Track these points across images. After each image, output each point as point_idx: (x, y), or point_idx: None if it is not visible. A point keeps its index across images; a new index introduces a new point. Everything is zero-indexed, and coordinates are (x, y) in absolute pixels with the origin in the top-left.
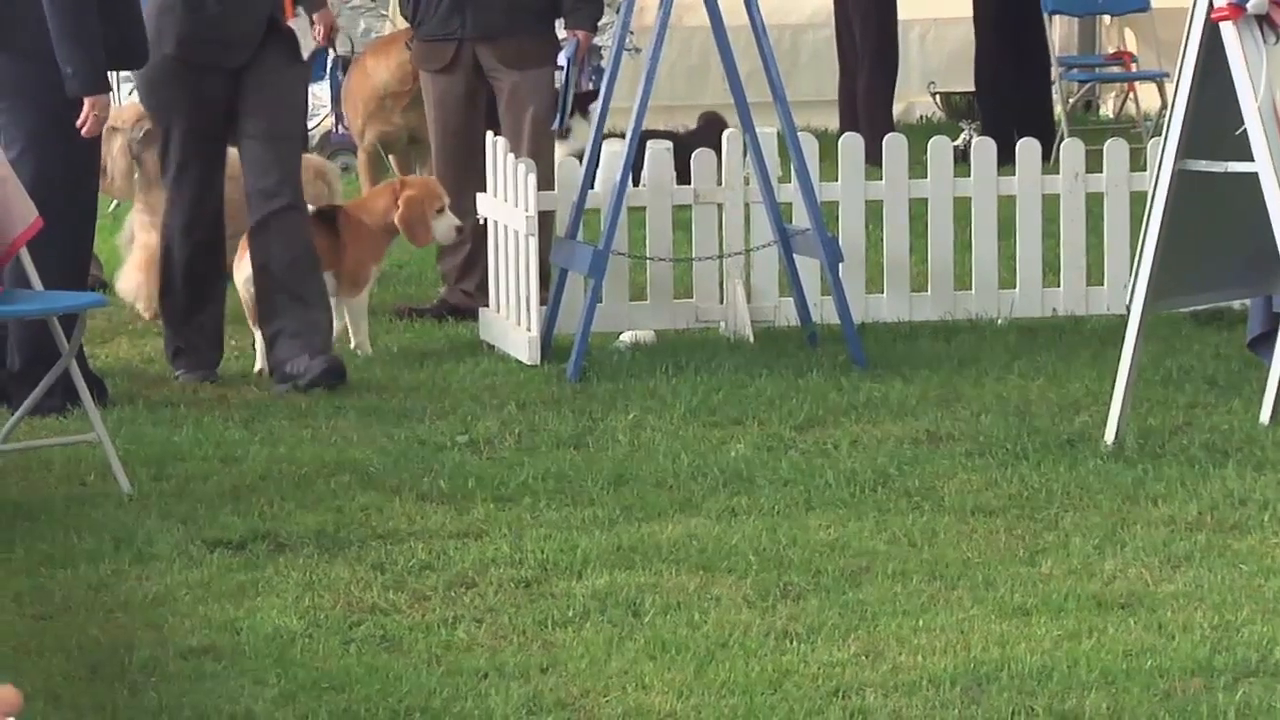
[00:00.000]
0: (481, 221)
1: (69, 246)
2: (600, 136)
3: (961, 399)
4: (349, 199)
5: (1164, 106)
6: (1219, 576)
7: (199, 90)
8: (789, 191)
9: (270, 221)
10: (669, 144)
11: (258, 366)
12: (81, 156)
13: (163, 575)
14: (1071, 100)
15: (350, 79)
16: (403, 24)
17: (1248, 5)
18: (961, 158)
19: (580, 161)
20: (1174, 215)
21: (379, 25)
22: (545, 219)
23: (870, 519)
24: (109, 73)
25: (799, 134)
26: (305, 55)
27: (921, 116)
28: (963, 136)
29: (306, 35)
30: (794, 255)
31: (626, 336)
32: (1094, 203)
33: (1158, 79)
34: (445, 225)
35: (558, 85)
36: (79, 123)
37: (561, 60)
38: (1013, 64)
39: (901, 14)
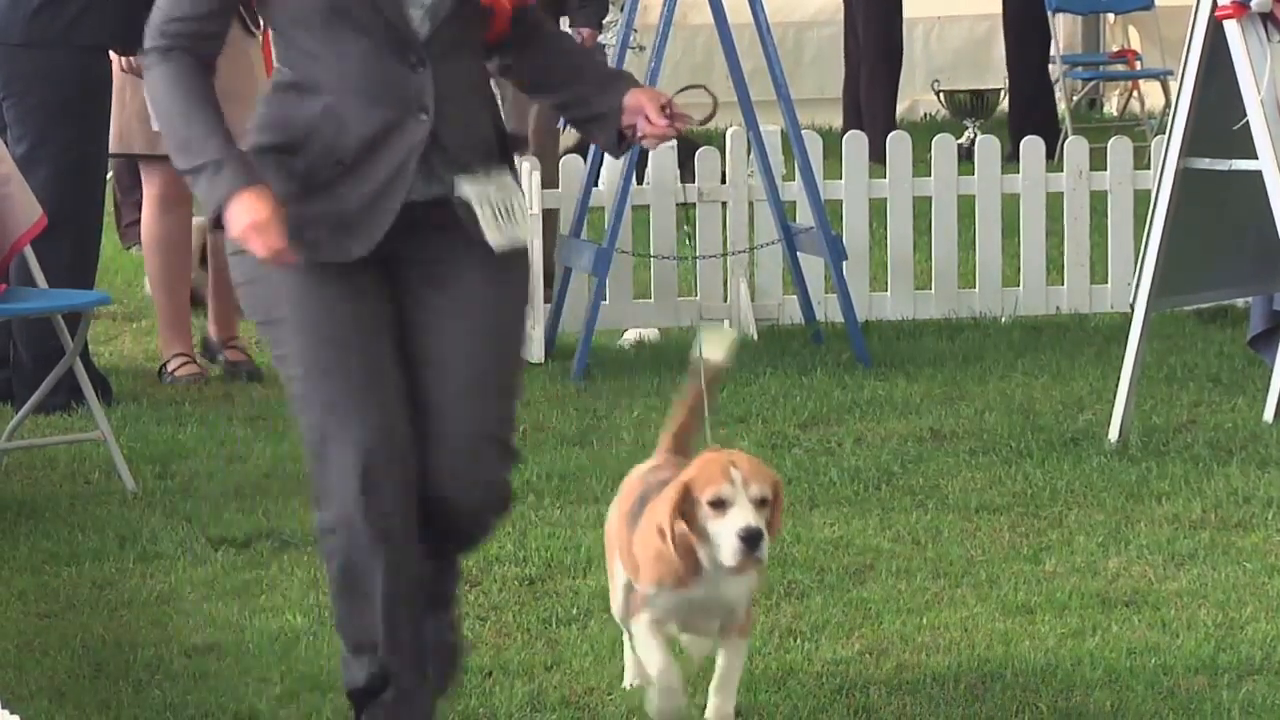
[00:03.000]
0: None
1: (76, 245)
2: None
3: (965, 397)
4: None
5: (1167, 104)
6: (1223, 574)
7: (327, 298)
8: (793, 190)
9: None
10: (673, 143)
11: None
12: (89, 152)
13: (167, 573)
14: (1075, 98)
15: None
16: None
17: (1251, 3)
18: (965, 156)
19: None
20: (1178, 213)
21: None
22: (549, 217)
23: (874, 517)
24: (111, 56)
25: (803, 132)
26: (504, 243)
27: (925, 114)
28: (966, 134)
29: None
30: (798, 253)
31: (630, 334)
32: (1098, 201)
33: (1161, 77)
34: (728, 535)
35: None
36: None
37: None
38: (1039, 60)
39: (906, 12)
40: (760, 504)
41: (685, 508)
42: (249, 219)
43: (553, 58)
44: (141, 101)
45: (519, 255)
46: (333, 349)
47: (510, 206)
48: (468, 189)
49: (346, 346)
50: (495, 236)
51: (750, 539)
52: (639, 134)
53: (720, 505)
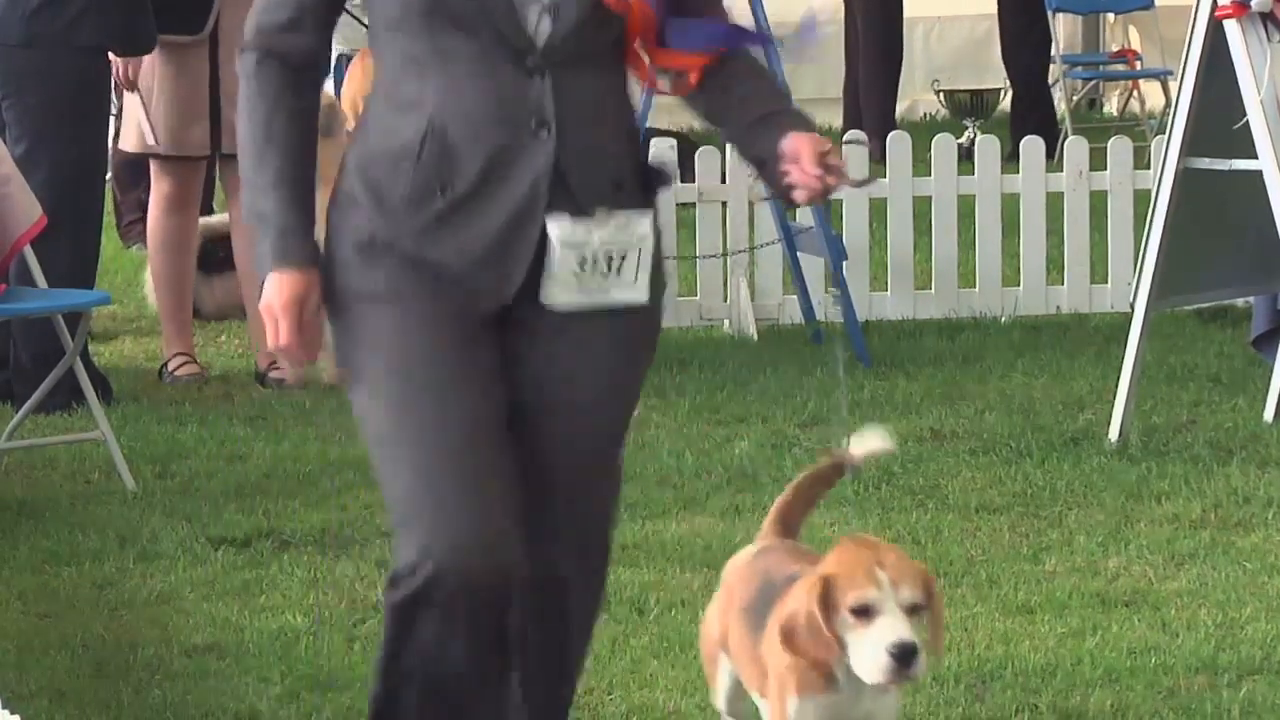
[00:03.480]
0: None
1: (76, 245)
2: None
3: (965, 397)
4: None
5: (1168, 104)
6: (1223, 574)
7: (434, 353)
8: None
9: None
10: (673, 142)
11: None
12: (88, 152)
13: (167, 573)
14: (1075, 98)
15: (349, 78)
16: None
17: (1251, 3)
18: (965, 156)
19: None
20: (1178, 213)
21: None
22: None
23: (874, 516)
24: (110, 59)
25: None
26: (566, 303)
27: (925, 114)
28: (966, 134)
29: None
30: (798, 253)
31: None
32: (1098, 200)
33: (1161, 77)
34: (875, 649)
35: None
36: None
37: None
38: (1036, 60)
39: (906, 12)
40: (912, 610)
41: (824, 607)
42: (269, 300)
43: (728, 83)
44: (167, 99)
45: (646, 315)
46: (427, 407)
47: (621, 257)
48: (553, 229)
49: (444, 405)
50: (558, 293)
51: (903, 655)
52: (790, 182)
53: (865, 613)
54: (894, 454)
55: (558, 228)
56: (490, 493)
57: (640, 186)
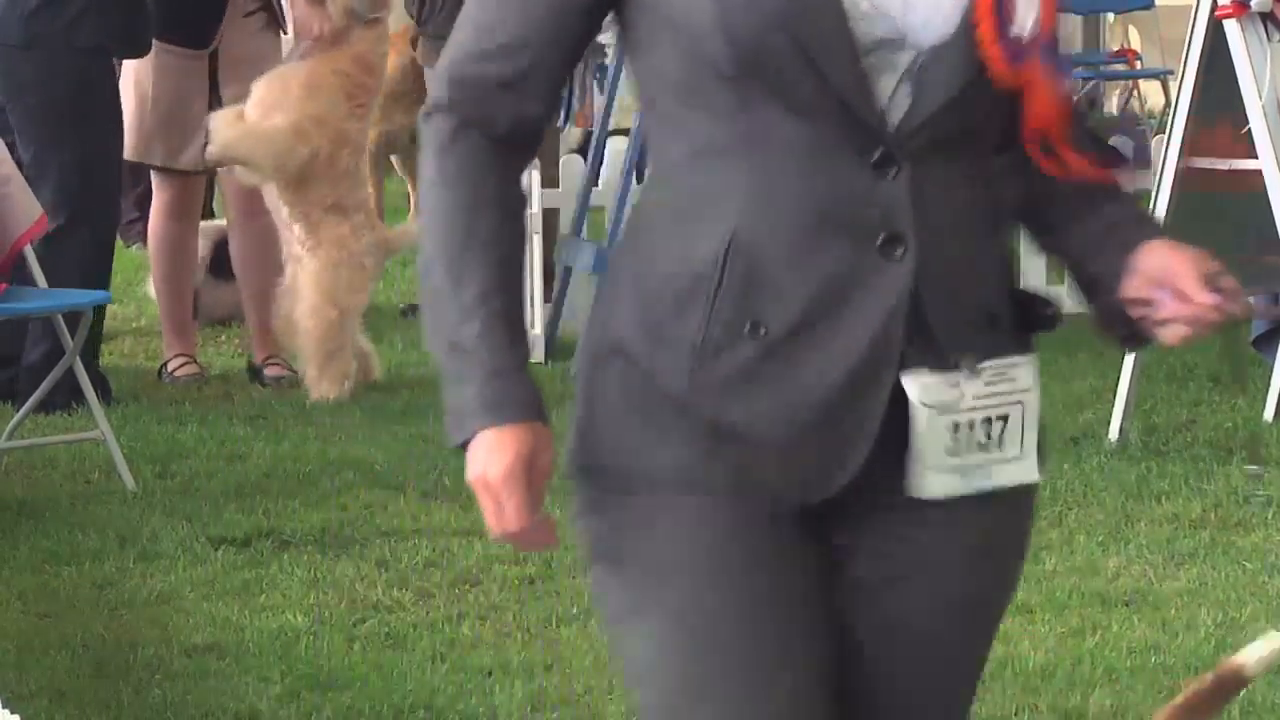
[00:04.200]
0: None
1: (93, 244)
2: (605, 134)
3: None
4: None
5: (1168, 104)
6: (1223, 574)
7: (747, 592)
8: None
9: None
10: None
11: None
12: (96, 152)
13: (167, 573)
14: (1075, 98)
15: None
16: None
17: (1251, 3)
18: None
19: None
20: (1178, 213)
21: None
22: (550, 217)
23: None
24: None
25: None
26: (942, 490)
27: None
28: None
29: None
30: None
31: None
32: None
33: (1161, 77)
34: None
35: None
36: None
37: None
38: None
39: None
40: None
41: None
42: (481, 470)
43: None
44: (165, 111)
45: (1013, 526)
46: (738, 672)
47: (1002, 421)
48: (913, 387)
49: (763, 667)
50: (930, 477)
51: None
52: (1160, 315)
53: None
54: None
55: (918, 386)
56: None
57: (1016, 321)
